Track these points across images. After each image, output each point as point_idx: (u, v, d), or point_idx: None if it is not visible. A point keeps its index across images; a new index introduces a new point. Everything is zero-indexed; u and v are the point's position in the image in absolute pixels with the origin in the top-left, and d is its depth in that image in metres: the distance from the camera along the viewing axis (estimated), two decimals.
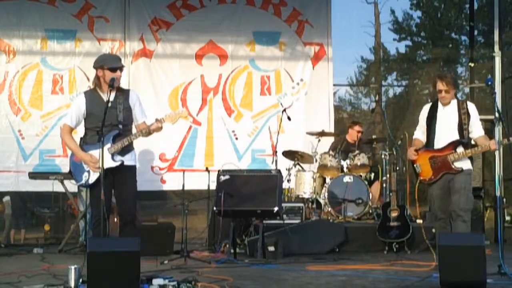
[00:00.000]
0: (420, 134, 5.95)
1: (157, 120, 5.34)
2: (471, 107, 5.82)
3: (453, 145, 5.70)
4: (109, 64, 5.35)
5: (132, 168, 5.49)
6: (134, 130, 5.56)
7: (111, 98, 5.31)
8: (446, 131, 5.74)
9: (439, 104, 5.82)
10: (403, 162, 8.74)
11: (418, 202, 6.13)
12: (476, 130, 5.77)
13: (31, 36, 9.26)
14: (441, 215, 5.78)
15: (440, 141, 5.75)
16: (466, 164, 5.74)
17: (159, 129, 5.38)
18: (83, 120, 5.47)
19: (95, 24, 9.36)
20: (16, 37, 9.22)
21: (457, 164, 5.69)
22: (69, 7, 9.31)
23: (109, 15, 9.39)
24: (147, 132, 5.39)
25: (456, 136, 5.71)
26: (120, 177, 5.39)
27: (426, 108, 5.95)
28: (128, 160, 5.43)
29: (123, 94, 5.45)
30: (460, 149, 5.70)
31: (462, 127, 5.70)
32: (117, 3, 9.41)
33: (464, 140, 5.71)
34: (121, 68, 5.39)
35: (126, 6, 9.38)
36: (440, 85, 5.73)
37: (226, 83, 9.63)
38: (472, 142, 5.82)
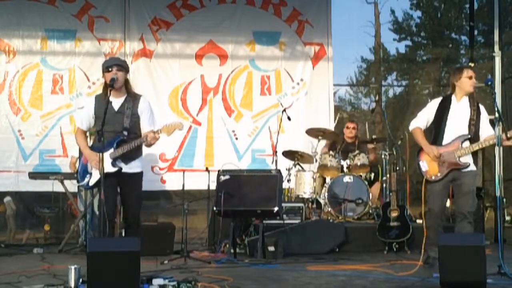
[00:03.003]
0: (421, 124, 5.86)
1: (153, 131, 5.33)
2: (482, 107, 5.84)
3: (460, 140, 5.66)
4: (104, 65, 5.37)
5: (138, 175, 5.50)
6: None
7: (119, 103, 5.37)
8: (457, 126, 5.70)
9: (453, 99, 5.79)
10: (403, 162, 8.74)
11: (416, 202, 6.11)
12: (487, 130, 5.75)
13: (31, 36, 9.26)
14: (438, 212, 5.78)
15: (450, 136, 5.71)
16: (472, 162, 5.70)
17: (155, 139, 5.34)
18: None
19: (95, 24, 9.36)
20: (16, 37, 9.22)
21: (463, 160, 5.64)
22: (69, 7, 9.31)
23: (109, 15, 9.39)
24: (149, 143, 5.35)
25: (465, 131, 5.68)
26: (125, 182, 5.42)
27: (436, 102, 5.88)
28: (134, 167, 5.44)
29: (134, 100, 5.44)
30: (466, 144, 5.67)
31: (471, 122, 5.68)
32: (117, 3, 9.41)
33: (471, 135, 5.68)
34: (116, 65, 5.34)
35: (126, 6, 9.38)
36: (472, 72, 5.76)
37: (226, 83, 9.63)
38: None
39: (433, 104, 5.89)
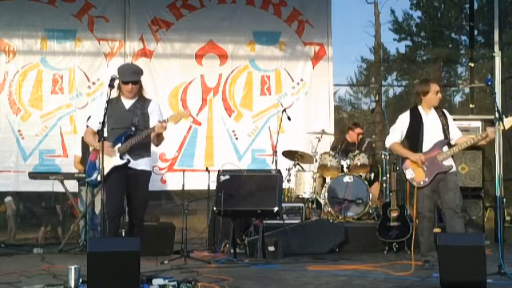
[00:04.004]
0: (397, 137, 6.08)
1: (159, 121, 5.37)
2: (446, 112, 6.14)
3: (439, 146, 5.92)
4: (121, 78, 5.38)
5: (146, 173, 5.50)
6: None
7: (130, 103, 5.44)
8: (433, 135, 5.95)
9: (421, 111, 6.03)
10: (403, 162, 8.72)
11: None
12: (457, 132, 6.04)
13: (31, 36, 9.27)
14: (429, 214, 5.96)
15: (428, 144, 5.94)
16: (453, 163, 5.97)
17: (163, 128, 5.38)
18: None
19: (95, 24, 9.36)
20: (16, 37, 9.23)
21: (446, 163, 5.88)
22: (69, 7, 9.32)
23: (109, 15, 9.39)
24: (156, 134, 5.37)
25: (441, 137, 5.94)
26: (133, 181, 5.42)
27: (406, 116, 6.10)
28: (142, 165, 5.45)
29: (144, 102, 5.51)
30: (445, 148, 5.91)
31: (444, 128, 5.96)
32: (117, 3, 9.41)
33: (447, 141, 5.95)
34: (133, 82, 5.40)
35: (126, 6, 9.38)
36: (438, 87, 6.03)
37: (226, 83, 9.63)
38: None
39: (404, 118, 6.11)
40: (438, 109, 6.08)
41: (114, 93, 5.49)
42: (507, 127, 5.54)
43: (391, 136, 6.13)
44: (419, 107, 6.06)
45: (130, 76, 5.48)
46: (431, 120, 6.00)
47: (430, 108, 6.03)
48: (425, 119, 6.00)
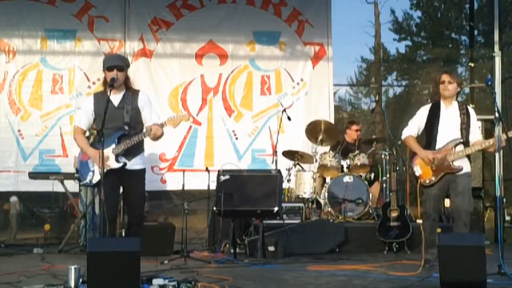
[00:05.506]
0: (413, 131, 5.97)
1: (157, 124, 5.31)
2: (471, 110, 5.96)
3: (452, 144, 5.79)
4: (106, 64, 5.36)
5: (140, 172, 5.46)
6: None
7: (119, 99, 5.34)
8: (449, 131, 5.81)
9: (442, 105, 5.88)
10: (403, 162, 8.74)
11: (416, 202, 6.17)
12: (475, 134, 5.90)
13: (31, 36, 9.27)
14: (434, 215, 5.91)
15: (442, 141, 5.81)
16: (465, 164, 5.83)
17: (159, 131, 5.32)
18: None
19: (95, 24, 9.36)
20: (16, 37, 9.23)
21: (456, 163, 5.77)
22: (69, 7, 9.32)
23: (109, 15, 9.39)
24: (154, 135, 5.32)
25: (457, 136, 5.79)
26: (127, 180, 5.39)
27: (425, 108, 5.98)
28: (135, 164, 5.40)
29: (132, 95, 5.41)
30: (459, 148, 5.78)
31: (462, 126, 5.80)
32: (117, 3, 9.41)
33: (463, 140, 5.80)
34: (117, 66, 5.31)
35: (126, 6, 9.38)
36: (445, 77, 5.83)
37: (226, 83, 9.63)
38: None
39: (423, 111, 5.99)
40: (463, 105, 5.93)
41: (100, 88, 5.46)
42: (511, 135, 5.50)
43: (407, 129, 6.02)
44: (441, 101, 5.91)
45: (113, 60, 5.43)
46: (449, 116, 5.85)
47: (450, 102, 5.87)
48: (443, 113, 5.85)
